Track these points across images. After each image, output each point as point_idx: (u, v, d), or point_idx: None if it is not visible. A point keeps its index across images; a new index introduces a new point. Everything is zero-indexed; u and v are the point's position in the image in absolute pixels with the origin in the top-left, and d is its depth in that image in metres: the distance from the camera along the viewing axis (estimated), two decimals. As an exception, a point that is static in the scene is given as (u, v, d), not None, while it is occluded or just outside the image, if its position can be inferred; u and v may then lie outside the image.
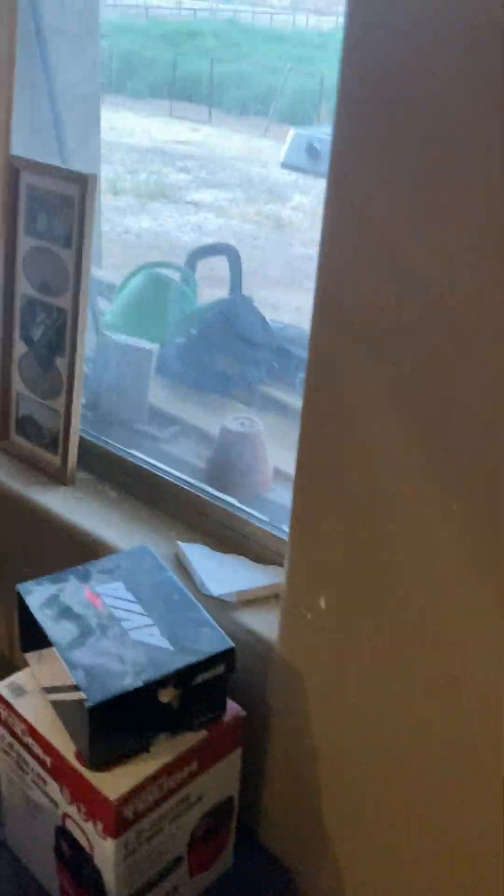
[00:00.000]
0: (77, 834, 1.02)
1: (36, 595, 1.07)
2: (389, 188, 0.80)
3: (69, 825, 1.03)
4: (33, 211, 1.27)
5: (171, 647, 1.00)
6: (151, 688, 0.96)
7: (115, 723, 0.96)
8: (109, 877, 1.00)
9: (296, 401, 1.55)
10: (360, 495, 0.92)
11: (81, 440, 1.38)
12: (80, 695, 0.94)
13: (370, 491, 0.91)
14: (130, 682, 0.95)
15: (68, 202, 1.24)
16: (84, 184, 1.21)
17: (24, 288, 1.33)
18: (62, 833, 1.06)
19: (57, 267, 1.28)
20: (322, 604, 1.01)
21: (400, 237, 0.80)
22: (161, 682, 0.96)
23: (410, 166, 0.77)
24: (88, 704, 0.92)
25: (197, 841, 1.10)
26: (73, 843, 1.04)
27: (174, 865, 1.08)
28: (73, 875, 1.07)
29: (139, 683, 0.95)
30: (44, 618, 1.04)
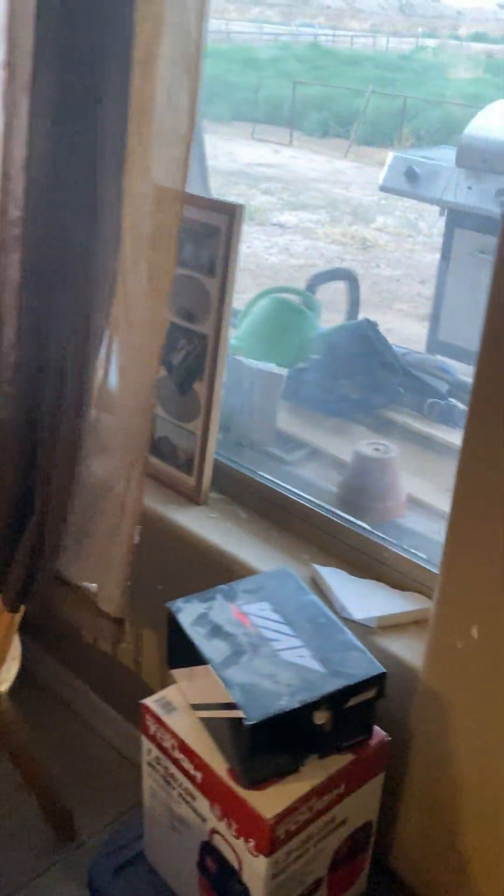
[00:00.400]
0: (225, 850, 1.04)
1: (186, 613, 1.11)
2: None
3: (217, 841, 1.06)
4: (181, 241, 1.32)
5: (323, 670, 1.02)
6: (307, 709, 0.97)
7: (271, 742, 0.98)
8: (258, 892, 1.02)
9: (422, 426, 1.56)
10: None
11: (214, 462, 1.42)
12: (239, 713, 0.96)
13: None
14: (287, 702, 0.97)
15: (214, 231, 1.28)
16: (232, 213, 1.25)
17: (169, 315, 1.38)
18: (208, 849, 1.08)
19: (200, 295, 1.32)
20: (475, 633, 1.01)
21: None
22: (316, 705, 0.98)
23: None
24: (249, 723, 0.94)
25: (337, 864, 1.11)
26: (220, 859, 1.06)
27: (314, 888, 1.10)
28: (217, 891, 1.09)
29: (296, 704, 0.97)
30: (196, 635, 1.07)
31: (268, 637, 1.07)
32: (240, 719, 0.96)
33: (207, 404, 1.36)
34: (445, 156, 2.31)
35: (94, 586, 1.21)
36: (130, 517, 1.15)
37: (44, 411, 1.12)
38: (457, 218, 2.18)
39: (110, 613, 1.20)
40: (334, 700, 0.99)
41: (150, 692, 1.13)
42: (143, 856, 1.24)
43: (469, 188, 2.10)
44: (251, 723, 0.94)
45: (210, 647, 1.05)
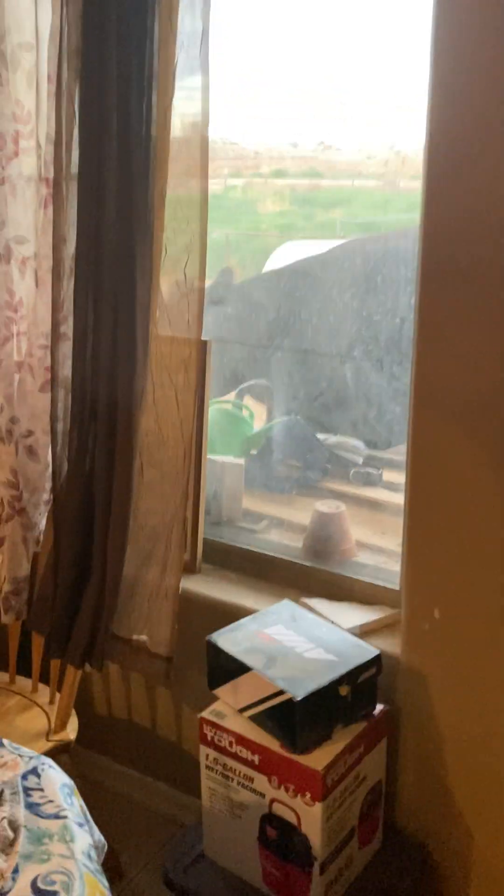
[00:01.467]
0: (284, 813, 1.38)
1: (223, 640, 1.46)
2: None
3: (276, 809, 1.39)
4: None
5: (337, 659, 1.40)
6: (334, 685, 1.35)
7: (311, 714, 1.34)
8: (316, 838, 1.35)
9: (350, 489, 2.01)
10: (460, 531, 1.37)
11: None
12: (288, 695, 1.32)
13: (468, 527, 1.36)
14: (320, 680, 1.34)
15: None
16: (204, 347, 1.69)
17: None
18: (268, 818, 1.40)
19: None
20: (437, 614, 1.43)
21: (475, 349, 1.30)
22: (339, 681, 1.36)
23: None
24: (297, 698, 1.31)
25: (362, 817, 1.46)
26: (280, 823, 1.39)
27: (350, 836, 1.44)
28: (278, 853, 1.41)
29: (326, 682, 1.34)
30: (237, 652, 1.43)
31: (289, 646, 1.44)
32: (290, 699, 1.32)
33: (196, 495, 1.74)
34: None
35: (144, 637, 1.54)
36: (174, 571, 1.51)
37: (100, 472, 1.48)
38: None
39: (162, 655, 1.53)
40: (351, 676, 1.37)
41: (167, 744, 1.47)
42: (204, 855, 1.53)
43: None
44: (299, 698, 1.31)
45: (250, 659, 1.41)
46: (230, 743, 1.42)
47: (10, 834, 0.86)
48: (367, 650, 1.43)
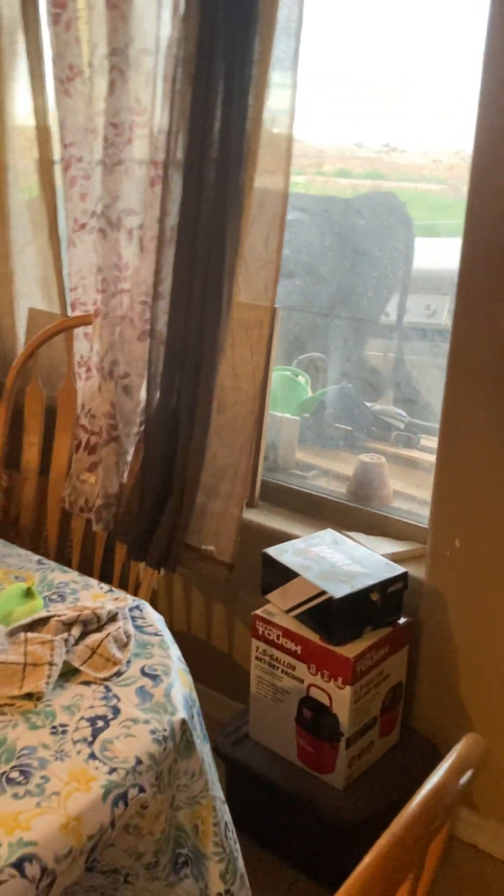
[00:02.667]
0: (319, 695, 1.68)
1: (276, 552, 1.77)
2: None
3: (312, 692, 1.69)
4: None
5: (370, 572, 1.70)
6: (366, 591, 1.65)
7: (347, 613, 1.64)
8: (344, 717, 1.65)
9: (391, 449, 2.30)
10: (481, 475, 1.66)
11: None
12: (328, 595, 1.63)
13: (487, 473, 1.65)
14: (356, 585, 1.64)
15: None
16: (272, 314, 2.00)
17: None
18: (305, 701, 1.71)
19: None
20: (457, 544, 1.73)
21: None
22: (371, 588, 1.66)
23: (501, 291, 1.57)
24: (336, 597, 1.61)
25: (385, 709, 1.76)
26: (315, 704, 1.69)
27: (372, 723, 1.74)
28: (312, 731, 1.71)
29: (360, 587, 1.64)
30: (288, 561, 1.74)
31: (330, 560, 1.75)
32: (329, 598, 1.62)
33: (258, 439, 2.05)
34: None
35: (211, 548, 1.86)
36: (240, 492, 1.83)
37: (183, 411, 1.80)
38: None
39: (226, 561, 1.85)
40: (381, 586, 1.67)
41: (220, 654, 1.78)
42: (248, 736, 1.85)
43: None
44: (338, 597, 1.61)
45: (298, 567, 1.72)
46: (277, 636, 1.73)
47: (124, 638, 1.18)
48: (396, 568, 1.72)
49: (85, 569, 1.98)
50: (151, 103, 1.78)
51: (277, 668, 1.75)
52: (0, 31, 2.11)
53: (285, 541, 1.88)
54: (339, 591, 1.63)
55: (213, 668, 2.20)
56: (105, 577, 2.02)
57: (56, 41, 1.87)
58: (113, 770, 0.97)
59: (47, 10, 1.87)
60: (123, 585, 1.97)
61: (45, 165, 2.07)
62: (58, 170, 2.06)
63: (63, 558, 2.08)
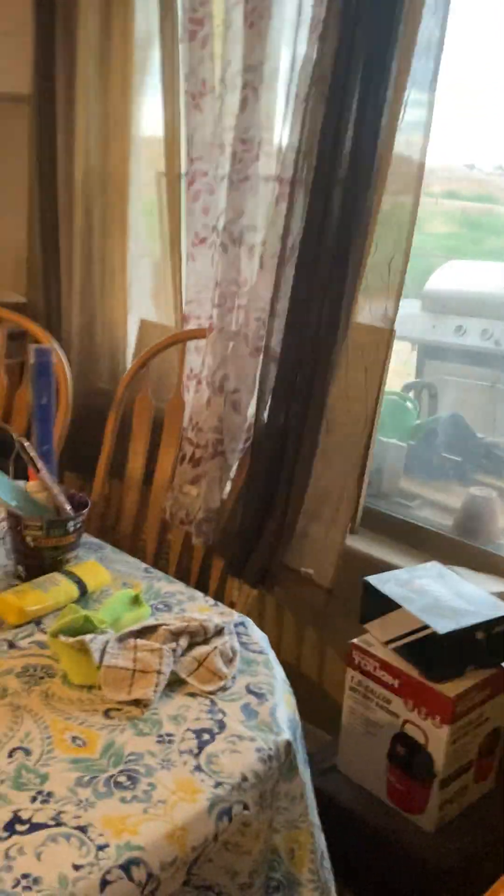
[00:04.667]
0: (414, 733, 1.67)
1: (378, 581, 1.78)
2: None
3: (407, 729, 1.69)
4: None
5: (476, 609, 1.69)
6: (472, 629, 1.64)
7: (450, 650, 1.63)
8: (440, 757, 1.64)
9: (500, 484, 2.28)
10: None
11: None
12: (431, 629, 1.62)
13: None
14: (461, 622, 1.63)
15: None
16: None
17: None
18: (399, 737, 1.71)
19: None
20: None
21: None
22: (477, 626, 1.65)
23: None
24: (441, 632, 1.61)
25: (481, 754, 1.74)
26: (409, 742, 1.68)
27: (468, 766, 1.72)
28: (404, 769, 1.71)
29: (466, 624, 1.63)
30: (390, 592, 1.74)
31: (435, 594, 1.74)
32: (433, 633, 1.62)
33: (363, 463, 2.07)
34: (415, 305, 2.96)
35: (310, 570, 1.88)
36: (344, 517, 1.85)
37: (291, 430, 1.84)
38: (425, 350, 2.90)
39: (324, 586, 1.87)
40: (488, 625, 1.66)
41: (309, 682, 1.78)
42: (335, 768, 1.85)
43: (433, 327, 2.83)
44: (443, 632, 1.61)
45: (401, 598, 1.72)
46: (374, 668, 1.73)
47: (230, 654, 1.21)
48: (503, 607, 1.70)
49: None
50: (282, 121, 1.83)
51: (372, 700, 1.75)
52: (134, 46, 2.21)
53: (385, 570, 1.88)
54: (443, 626, 1.62)
55: (302, 694, 2.20)
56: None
57: (190, 57, 1.95)
58: (218, 784, 1.00)
59: (184, 26, 1.95)
60: (218, 601, 2.01)
61: (171, 178, 2.15)
62: (182, 183, 2.14)
63: (159, 570, 2.13)
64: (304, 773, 1.15)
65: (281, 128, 1.84)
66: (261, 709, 1.14)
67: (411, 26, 1.65)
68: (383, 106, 1.68)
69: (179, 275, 2.21)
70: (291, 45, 1.80)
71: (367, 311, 1.83)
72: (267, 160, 1.89)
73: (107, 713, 1.10)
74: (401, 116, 1.69)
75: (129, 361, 2.44)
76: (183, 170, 2.10)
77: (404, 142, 1.71)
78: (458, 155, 2.47)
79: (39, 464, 1.40)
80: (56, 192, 2.35)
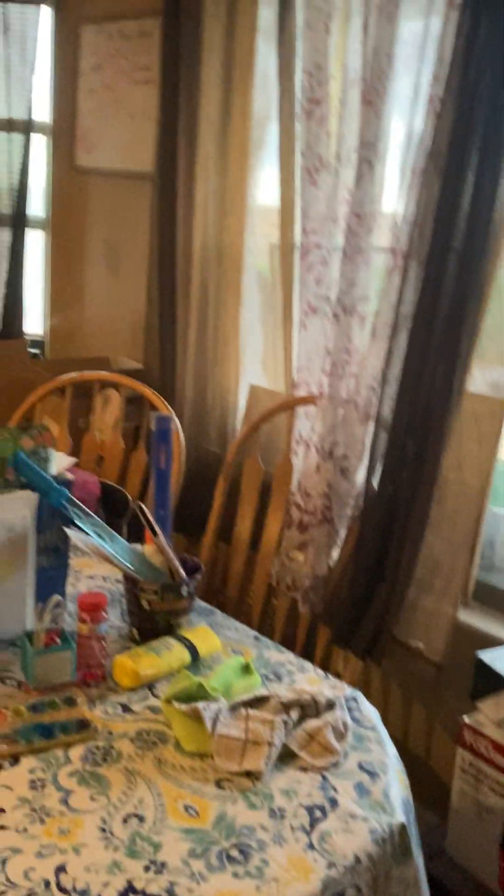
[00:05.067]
0: (529, 820, 1.60)
1: (490, 657, 1.73)
2: None
3: (522, 815, 1.61)
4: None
5: None
6: None
7: None
8: None
9: None
10: None
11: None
12: (548, 712, 1.56)
13: None
14: None
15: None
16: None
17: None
18: (513, 824, 1.64)
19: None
20: None
21: None
22: None
23: None
24: None
25: None
26: (524, 829, 1.61)
27: None
28: (518, 858, 1.63)
29: None
30: (503, 669, 1.69)
31: (552, 675, 1.68)
32: (550, 715, 1.56)
33: (474, 535, 2.03)
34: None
35: (420, 644, 1.85)
36: (456, 590, 1.81)
37: (401, 499, 1.83)
38: None
39: (435, 660, 1.83)
40: None
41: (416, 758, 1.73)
42: (444, 851, 1.78)
43: None
44: None
45: (516, 677, 1.67)
46: (487, 749, 1.67)
47: (342, 729, 1.19)
48: None
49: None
50: (396, 194, 1.87)
51: (484, 783, 1.69)
52: (253, 124, 2.30)
53: (498, 645, 1.83)
54: None
55: (408, 771, 2.15)
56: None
57: (307, 134, 2.02)
58: (332, 864, 0.98)
59: (302, 105, 2.03)
60: (325, 671, 1.99)
61: (284, 250, 2.21)
62: (296, 254, 2.20)
63: (263, 636, 2.13)
64: (418, 857, 1.12)
65: (395, 201, 1.87)
66: (374, 788, 1.12)
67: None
68: (499, 179, 1.69)
69: (290, 343, 2.25)
70: (407, 121, 1.84)
71: (481, 380, 1.83)
72: (380, 232, 1.93)
73: (218, 783, 1.10)
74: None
75: (239, 426, 2.49)
76: (297, 241, 2.15)
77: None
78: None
79: (157, 528, 1.43)
80: (174, 263, 2.45)
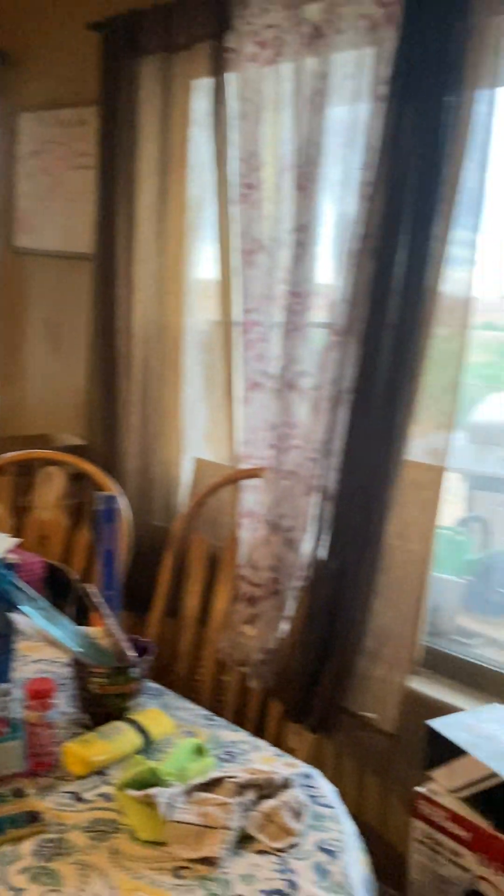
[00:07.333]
0: (488, 890, 1.59)
1: (441, 726, 1.73)
2: None
3: (481, 886, 1.60)
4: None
5: (548, 757, 1.63)
6: (546, 777, 1.58)
7: (523, 800, 1.57)
8: (517, 919, 1.55)
9: None
10: None
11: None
12: (502, 779, 1.57)
13: None
14: (533, 771, 1.58)
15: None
16: (441, 472, 2.04)
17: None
18: (473, 895, 1.62)
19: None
20: None
21: None
22: (550, 775, 1.59)
23: None
24: (512, 781, 1.55)
25: None
26: (483, 900, 1.60)
27: (548, 931, 1.61)
28: (479, 931, 1.61)
29: (539, 772, 1.58)
30: (455, 737, 1.69)
31: (502, 739, 1.69)
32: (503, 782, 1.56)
33: (421, 605, 2.05)
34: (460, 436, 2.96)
35: (373, 715, 1.84)
36: (405, 658, 1.82)
37: (348, 569, 1.84)
38: (475, 481, 2.90)
39: (387, 731, 1.82)
40: None
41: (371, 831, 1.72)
42: (405, 929, 1.75)
43: (482, 458, 2.83)
44: (514, 781, 1.55)
45: (466, 744, 1.67)
46: (443, 819, 1.66)
47: (299, 809, 1.18)
48: None
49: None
50: (333, 274, 1.93)
51: (441, 854, 1.67)
52: (189, 208, 2.37)
53: (447, 712, 1.83)
54: (514, 774, 1.57)
55: (365, 846, 2.12)
56: (258, 737, 2.02)
57: (243, 217, 2.09)
58: None
59: (237, 190, 2.10)
60: (277, 747, 1.96)
61: (225, 327, 2.25)
62: (236, 331, 2.24)
63: (215, 713, 2.10)
64: (381, 939, 1.10)
65: (332, 280, 1.94)
66: (333, 868, 1.10)
67: (452, 183, 1.76)
68: (428, 257, 1.77)
69: (234, 417, 2.28)
70: (339, 204, 1.92)
71: (420, 449, 1.87)
72: (317, 309, 1.99)
73: (176, 872, 1.07)
74: (445, 263, 1.78)
75: (184, 500, 2.49)
76: (237, 319, 2.20)
77: (450, 285, 1.79)
78: (495, 287, 2.55)
79: (105, 610, 1.42)
80: (115, 340, 2.48)
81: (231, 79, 2.17)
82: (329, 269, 1.95)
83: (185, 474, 2.48)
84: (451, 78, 1.72)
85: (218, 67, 2.18)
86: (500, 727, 1.73)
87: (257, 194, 2.07)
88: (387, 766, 2.02)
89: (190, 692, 2.16)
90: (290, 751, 1.90)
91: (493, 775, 1.58)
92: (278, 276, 2.06)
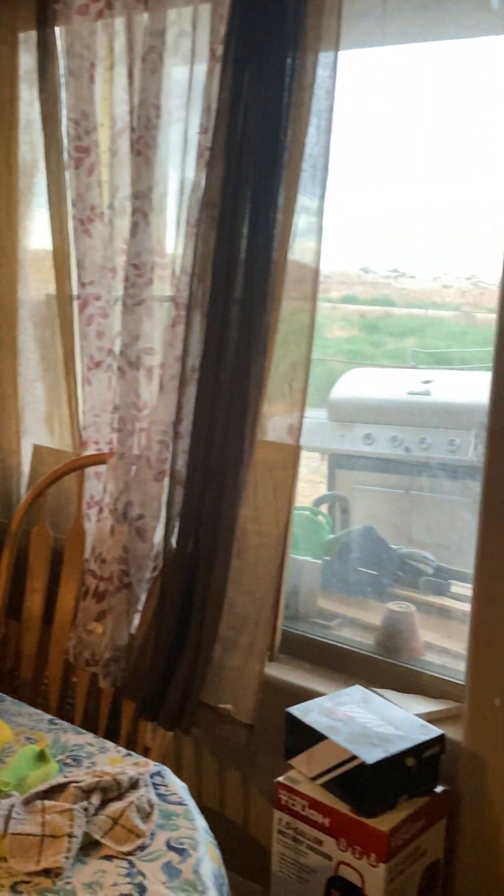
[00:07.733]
0: (349, 875, 1.66)
1: (301, 713, 1.79)
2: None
3: (342, 871, 1.67)
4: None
5: (404, 734, 1.72)
6: (401, 755, 1.66)
7: (380, 780, 1.65)
8: (378, 900, 1.63)
9: (419, 596, 2.35)
10: (519, 623, 1.71)
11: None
12: (359, 760, 1.64)
13: (525, 619, 1.70)
14: (389, 749, 1.66)
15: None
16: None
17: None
18: (333, 881, 1.69)
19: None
20: (497, 702, 1.75)
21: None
22: (406, 753, 1.67)
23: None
24: (369, 762, 1.63)
25: (421, 892, 1.73)
26: (345, 885, 1.67)
27: (409, 909, 1.71)
28: (342, 916, 1.69)
29: (394, 751, 1.66)
30: (314, 724, 1.75)
31: (360, 721, 1.77)
32: (361, 764, 1.64)
33: (278, 586, 2.11)
34: (321, 414, 3.07)
35: (229, 706, 1.88)
36: (262, 645, 1.86)
37: (201, 556, 1.86)
38: (335, 460, 3.01)
39: (245, 722, 1.86)
40: (417, 750, 1.69)
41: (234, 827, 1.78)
42: (269, 922, 1.81)
43: (341, 436, 2.95)
44: (371, 762, 1.63)
45: (325, 728, 1.74)
46: (303, 807, 1.73)
47: (147, 808, 1.19)
48: (431, 730, 1.74)
49: (88, 728, 1.99)
50: (174, 245, 1.94)
51: (302, 843, 1.74)
52: (19, 173, 2.31)
53: (309, 698, 1.90)
54: (371, 755, 1.64)
55: (228, 842, 2.15)
56: (110, 738, 2.03)
57: (77, 184, 2.06)
58: None
59: (69, 154, 2.07)
60: (131, 748, 1.98)
61: (62, 301, 2.22)
62: (74, 306, 2.22)
63: (64, 716, 2.09)
64: (234, 933, 1.14)
65: (173, 251, 1.94)
66: (183, 866, 1.13)
67: (296, 148, 1.80)
68: (273, 228, 1.81)
69: (75, 399, 2.26)
70: (179, 171, 1.93)
71: (272, 428, 1.92)
72: (161, 283, 1.99)
73: (14, 887, 1.07)
74: (291, 232, 1.82)
75: (24, 490, 2.45)
76: (74, 293, 2.17)
77: (297, 255, 1.83)
78: (353, 260, 2.62)
79: None
80: None
81: (60, 33, 2.13)
82: (171, 239, 1.96)
83: (25, 463, 2.43)
84: (291, 39, 1.75)
85: (45, 19, 2.14)
86: (359, 708, 1.82)
87: (92, 159, 2.05)
88: (247, 758, 2.07)
89: (36, 698, 2.14)
90: (146, 750, 1.92)
91: (351, 758, 1.65)
92: (117, 247, 2.05)
